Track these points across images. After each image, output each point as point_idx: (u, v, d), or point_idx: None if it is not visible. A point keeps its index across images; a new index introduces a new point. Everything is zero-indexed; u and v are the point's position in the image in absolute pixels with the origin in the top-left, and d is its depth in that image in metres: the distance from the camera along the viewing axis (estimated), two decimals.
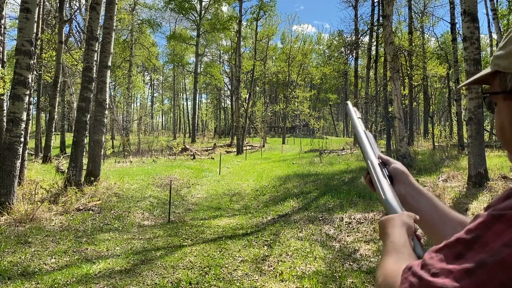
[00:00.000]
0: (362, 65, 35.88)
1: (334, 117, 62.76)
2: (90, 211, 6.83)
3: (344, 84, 49.48)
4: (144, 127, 40.18)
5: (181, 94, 59.18)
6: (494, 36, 20.52)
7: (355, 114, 1.13)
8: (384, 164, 0.97)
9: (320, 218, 6.31)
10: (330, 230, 5.66)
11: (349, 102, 1.15)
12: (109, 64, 9.38)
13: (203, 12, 37.77)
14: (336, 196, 7.67)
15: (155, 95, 64.12)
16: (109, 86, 11.25)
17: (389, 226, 0.76)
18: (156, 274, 4.21)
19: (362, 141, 1.03)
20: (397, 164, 0.96)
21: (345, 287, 3.80)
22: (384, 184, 0.88)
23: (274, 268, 4.34)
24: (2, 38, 8.19)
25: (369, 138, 1.03)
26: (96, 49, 8.94)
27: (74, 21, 21.88)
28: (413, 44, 20.13)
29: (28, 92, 6.69)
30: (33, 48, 6.66)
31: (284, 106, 39.27)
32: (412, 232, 0.76)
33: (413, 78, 21.58)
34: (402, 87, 17.04)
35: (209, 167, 15.06)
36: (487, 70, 0.69)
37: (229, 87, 43.17)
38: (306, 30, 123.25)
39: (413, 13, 21.72)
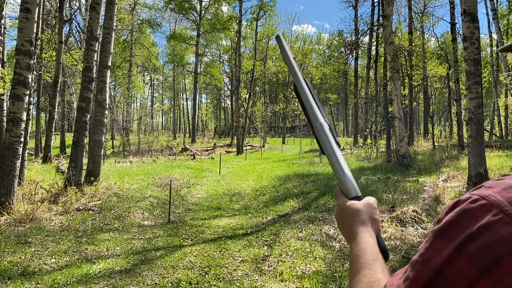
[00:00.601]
0: (362, 65, 35.88)
1: (334, 117, 62.73)
2: (90, 211, 6.83)
3: (344, 84, 49.50)
4: (144, 127, 40.19)
5: (181, 94, 59.19)
6: (494, 36, 20.53)
7: (290, 53, 0.89)
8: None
9: (320, 218, 6.31)
10: (330, 230, 5.66)
11: (281, 35, 0.91)
12: (109, 64, 9.38)
13: (203, 12, 37.78)
14: None
15: (155, 95, 64.17)
16: (109, 86, 11.25)
17: (357, 223, 0.71)
18: (156, 274, 4.21)
19: (306, 94, 0.81)
20: None
21: (345, 287, 3.80)
22: (340, 157, 0.76)
23: (274, 268, 4.34)
24: (2, 38, 8.19)
25: (312, 91, 0.83)
26: (96, 49, 8.94)
27: (74, 21, 21.90)
28: (413, 44, 20.13)
29: (28, 92, 6.69)
30: (33, 48, 6.66)
31: (284, 106, 39.28)
32: (379, 226, 0.72)
33: (413, 78, 21.58)
34: (402, 87, 17.04)
35: (209, 167, 15.06)
36: None
37: (229, 87, 43.18)
38: (306, 30, 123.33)
39: (413, 13, 21.72)
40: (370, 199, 0.76)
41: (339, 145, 0.79)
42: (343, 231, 0.75)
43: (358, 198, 0.77)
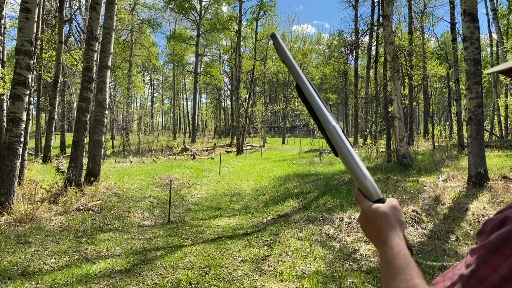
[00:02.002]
0: (362, 65, 35.88)
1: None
2: (90, 211, 6.83)
3: (344, 84, 49.45)
4: (144, 127, 40.19)
5: (181, 94, 59.21)
6: (494, 36, 20.53)
7: (288, 52, 0.85)
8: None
9: (320, 218, 6.31)
10: (330, 230, 5.66)
11: (276, 34, 0.86)
12: (109, 64, 9.38)
13: (203, 12, 37.79)
14: (336, 196, 7.67)
15: (155, 95, 64.14)
16: (109, 86, 11.26)
17: (386, 227, 0.70)
18: (156, 274, 4.21)
19: (312, 95, 0.79)
20: None
21: (345, 287, 3.80)
22: (358, 160, 0.75)
23: (274, 268, 4.34)
24: (2, 38, 8.19)
25: (317, 92, 0.81)
26: (96, 49, 8.94)
27: (74, 21, 21.88)
28: (413, 44, 20.12)
29: (28, 92, 6.69)
30: (33, 48, 6.66)
31: (284, 106, 39.29)
32: (404, 227, 0.72)
33: (413, 78, 21.58)
34: (402, 87, 17.04)
35: (209, 167, 15.06)
36: None
37: (229, 87, 43.17)
38: (306, 30, 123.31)
39: (413, 13, 21.72)
40: (394, 201, 0.75)
41: (352, 146, 0.78)
42: (370, 235, 0.74)
43: (381, 200, 0.75)
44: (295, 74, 0.81)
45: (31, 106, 10.69)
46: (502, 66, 0.70)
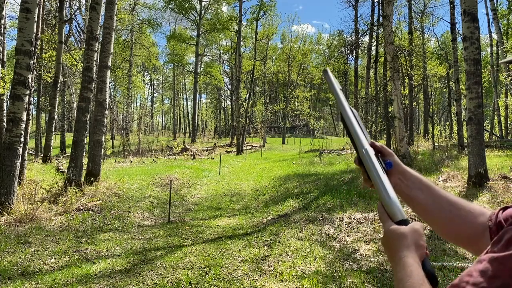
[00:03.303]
0: (362, 65, 35.87)
1: (334, 117, 62.71)
2: (90, 211, 6.83)
3: (344, 84, 49.43)
4: (144, 127, 40.18)
5: (181, 94, 59.21)
6: (494, 36, 20.53)
7: (337, 85, 0.92)
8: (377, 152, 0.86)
9: (320, 218, 6.31)
10: (330, 230, 5.66)
11: (328, 69, 0.95)
12: (109, 64, 9.38)
13: (203, 12, 37.79)
14: (336, 196, 7.67)
15: (155, 95, 64.17)
16: (109, 86, 11.26)
17: (401, 247, 0.70)
18: (156, 274, 4.21)
19: (351, 122, 0.86)
20: (386, 150, 0.88)
21: (345, 287, 3.80)
22: (386, 182, 0.79)
23: (274, 268, 4.34)
24: (2, 38, 8.19)
25: (357, 118, 0.87)
26: (96, 49, 8.94)
27: (74, 21, 21.89)
28: (413, 44, 20.12)
29: (28, 92, 6.69)
30: (33, 48, 6.66)
31: (284, 106, 39.28)
32: (424, 252, 0.71)
33: (413, 78, 21.58)
34: (402, 87, 17.04)
35: (209, 167, 15.06)
36: None
37: (229, 87, 43.18)
38: (305, 30, 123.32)
39: (413, 13, 21.72)
40: (416, 225, 0.74)
41: (384, 169, 0.83)
42: (388, 255, 0.74)
43: (404, 221, 0.76)
44: (340, 104, 0.90)
45: (31, 106, 10.69)
46: None
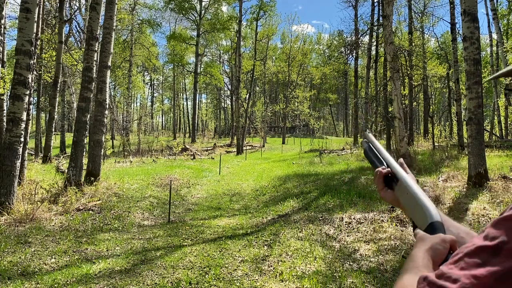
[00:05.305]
0: (362, 65, 35.87)
1: (334, 117, 62.76)
2: (90, 211, 6.83)
3: (344, 84, 49.50)
4: (144, 127, 40.15)
5: (181, 94, 59.20)
6: (494, 36, 20.53)
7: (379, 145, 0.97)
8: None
9: (320, 218, 6.31)
10: (330, 230, 5.66)
11: (368, 131, 0.99)
12: (109, 64, 9.38)
13: (203, 12, 37.78)
14: (336, 196, 7.67)
15: (155, 95, 64.13)
16: (109, 86, 11.26)
17: (417, 245, 0.71)
18: (156, 274, 4.21)
19: (412, 188, 0.84)
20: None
21: (345, 287, 3.80)
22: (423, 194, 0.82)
23: (274, 268, 4.34)
24: (2, 38, 8.19)
25: (410, 175, 0.91)
26: (96, 49, 8.94)
27: (74, 21, 21.89)
28: (413, 44, 20.11)
29: (28, 92, 6.69)
30: (33, 48, 6.66)
31: (284, 106, 39.26)
32: (442, 258, 0.68)
33: (413, 78, 21.56)
34: (402, 87, 17.04)
35: (209, 167, 15.06)
36: None
37: (229, 87, 43.17)
38: (305, 30, 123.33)
39: (413, 13, 21.71)
40: (443, 236, 0.71)
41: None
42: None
43: (432, 225, 0.75)
44: (392, 167, 0.94)
45: (31, 106, 10.69)
46: (502, 70, 0.70)
